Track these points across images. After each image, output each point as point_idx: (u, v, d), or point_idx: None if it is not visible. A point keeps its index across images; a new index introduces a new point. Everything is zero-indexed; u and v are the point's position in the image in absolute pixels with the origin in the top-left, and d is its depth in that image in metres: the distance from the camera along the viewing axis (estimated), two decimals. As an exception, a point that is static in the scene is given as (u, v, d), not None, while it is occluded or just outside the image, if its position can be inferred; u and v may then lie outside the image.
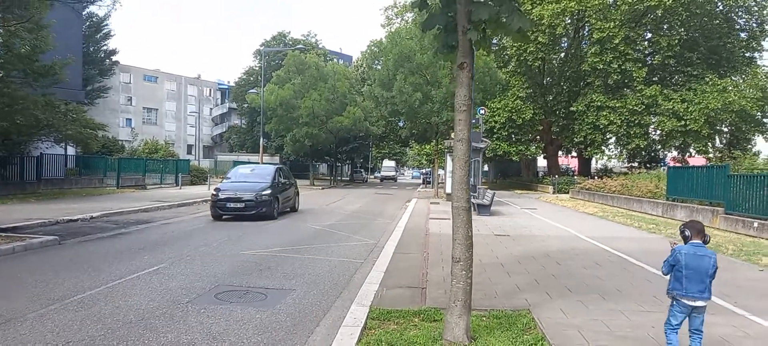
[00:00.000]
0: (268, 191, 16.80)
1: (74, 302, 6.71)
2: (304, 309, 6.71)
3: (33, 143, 23.12)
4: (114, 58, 52.04)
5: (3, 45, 18.13)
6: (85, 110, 40.38)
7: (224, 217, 16.45)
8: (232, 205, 16.19)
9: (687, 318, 4.41)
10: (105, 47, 50.39)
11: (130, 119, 66.93)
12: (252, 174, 18.43)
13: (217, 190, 16.87)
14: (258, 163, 33.20)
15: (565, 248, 11.26)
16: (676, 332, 4.46)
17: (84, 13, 43.36)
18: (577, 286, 7.58)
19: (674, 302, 4.44)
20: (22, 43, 18.12)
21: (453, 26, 5.41)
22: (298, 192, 20.54)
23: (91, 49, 48.00)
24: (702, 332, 4.41)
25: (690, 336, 4.43)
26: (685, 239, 4.46)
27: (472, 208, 17.85)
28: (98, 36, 49.02)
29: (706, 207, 15.52)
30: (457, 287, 5.33)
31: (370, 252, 11.10)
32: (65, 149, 28.63)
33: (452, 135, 23.83)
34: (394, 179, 70.55)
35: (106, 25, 49.47)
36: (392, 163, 76.01)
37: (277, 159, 58.81)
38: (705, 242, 4.39)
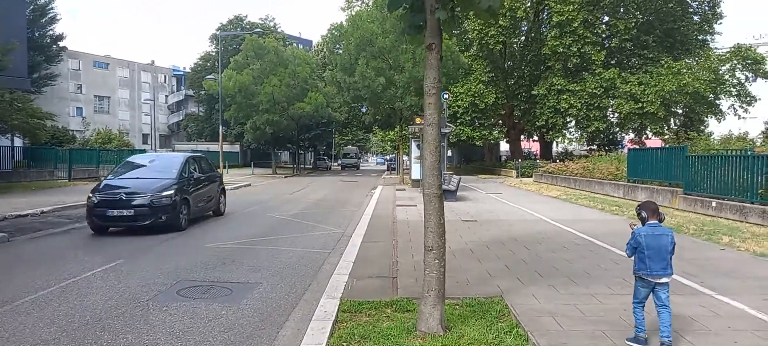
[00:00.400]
0: (171, 191, 11.85)
1: (26, 303, 6.28)
2: (272, 303, 6.46)
3: (-26, 135, 21.86)
4: (61, 44, 49.56)
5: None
6: (32, 99, 38.57)
7: (112, 229, 11.87)
8: (115, 212, 11.28)
9: (652, 293, 4.62)
10: (51, 32, 47.91)
11: (81, 108, 64.24)
12: (150, 167, 13.48)
13: (96, 191, 11.92)
14: (217, 152, 32.41)
15: (532, 232, 11.31)
16: (642, 306, 4.69)
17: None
18: (547, 270, 7.57)
19: (637, 281, 4.68)
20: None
21: (420, 5, 5.20)
22: (224, 190, 15.73)
23: (36, 34, 45.55)
24: (669, 306, 4.58)
25: (658, 311, 4.60)
26: (643, 221, 4.66)
27: (438, 193, 17.96)
28: (43, 20, 46.53)
29: (666, 188, 15.90)
30: (430, 277, 5.18)
31: (338, 241, 10.89)
32: (12, 141, 27.23)
33: (417, 120, 23.79)
34: (356, 166, 66.56)
35: (52, 8, 47.02)
36: (354, 149, 72.95)
37: (237, 147, 57.69)
38: (660, 221, 4.62)
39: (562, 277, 7.12)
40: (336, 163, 77.57)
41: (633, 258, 4.69)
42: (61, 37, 49.12)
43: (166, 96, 78.99)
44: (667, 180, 16.15)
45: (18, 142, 28.60)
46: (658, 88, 30.79)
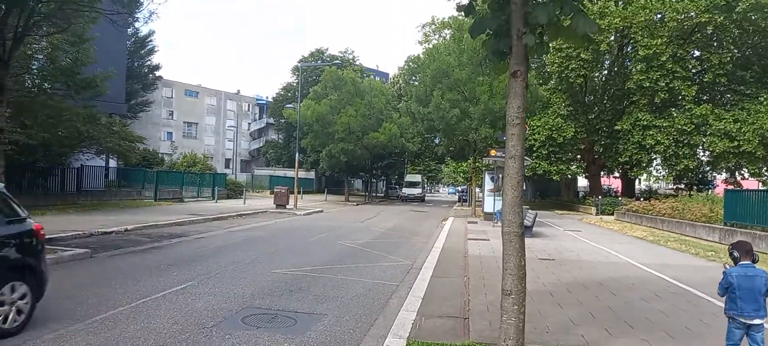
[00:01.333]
0: None
1: (96, 322, 6.36)
2: (336, 337, 6.19)
3: (74, 155, 23.47)
4: (157, 73, 53.25)
5: (46, 57, 18.43)
6: (127, 124, 41.42)
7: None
8: None
9: (746, 335, 4.58)
10: (149, 63, 51.62)
11: (171, 133, 68.24)
12: None
13: None
14: (293, 177, 33.10)
15: (618, 275, 10.42)
16: None
17: (129, 30, 44.72)
18: (639, 322, 6.82)
19: (730, 322, 4.66)
20: (65, 56, 18.37)
21: (505, 31, 4.86)
22: (38, 259, 6.58)
23: (136, 64, 49.24)
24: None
25: None
26: (735, 260, 4.64)
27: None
28: (142, 52, 50.24)
29: (771, 234, 14.34)
30: (507, 324, 4.72)
31: (406, 274, 10.52)
32: (107, 162, 29.10)
33: (492, 152, 23.16)
34: (421, 198, 54.14)
35: (151, 41, 50.70)
36: (417, 178, 57.13)
37: (312, 174, 58.94)
38: (754, 262, 4.59)
39: (657, 331, 6.37)
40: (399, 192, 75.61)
41: (724, 298, 4.69)
42: (157, 67, 52.79)
43: (249, 123, 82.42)
44: (773, 226, 14.58)
45: (112, 163, 30.52)
46: (756, 126, 28.33)
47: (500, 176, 23.67)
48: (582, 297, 8.25)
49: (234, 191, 38.16)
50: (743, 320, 4.51)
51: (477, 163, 33.33)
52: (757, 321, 4.46)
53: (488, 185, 25.12)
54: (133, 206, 24.27)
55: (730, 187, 34.15)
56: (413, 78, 38.21)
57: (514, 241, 4.74)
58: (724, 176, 39.18)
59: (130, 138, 24.06)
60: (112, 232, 15.09)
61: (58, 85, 19.27)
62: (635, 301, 8.14)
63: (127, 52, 44.32)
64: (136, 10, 15.40)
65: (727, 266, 4.74)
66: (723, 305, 7.47)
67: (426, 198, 68.16)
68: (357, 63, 59.27)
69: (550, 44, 5.07)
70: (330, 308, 7.50)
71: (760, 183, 32.69)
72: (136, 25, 47.04)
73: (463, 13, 5.56)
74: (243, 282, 9.01)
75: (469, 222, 23.52)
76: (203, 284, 8.72)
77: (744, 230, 15.63)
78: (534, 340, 5.68)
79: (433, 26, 41.73)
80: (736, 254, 4.64)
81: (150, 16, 29.10)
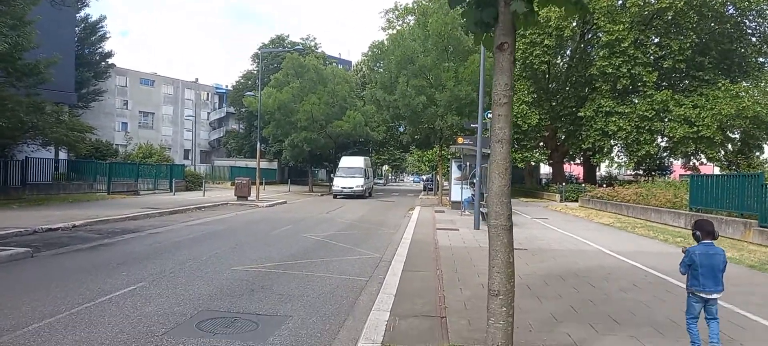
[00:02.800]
0: None
1: (26, 334, 5.59)
2: (302, 343, 5.60)
3: (18, 146, 21.95)
4: (110, 61, 50.93)
5: (-19, 40, 17.03)
6: (78, 114, 39.47)
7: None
8: None
9: (703, 308, 4.94)
10: (100, 50, 49.30)
11: (126, 123, 65.70)
12: None
13: None
14: (255, 168, 32.07)
15: (592, 265, 10.14)
16: (696, 321, 4.99)
17: (79, 14, 42.49)
18: (623, 316, 6.46)
19: (689, 296, 5.00)
20: (3, 40, 16.98)
21: (488, -1, 4.32)
22: None
23: (87, 51, 46.93)
24: (718, 318, 4.96)
25: (708, 323, 4.95)
26: (697, 239, 4.95)
27: (481, 217, 16.85)
28: (93, 38, 47.93)
29: (737, 219, 14.38)
30: (495, 328, 4.23)
31: (375, 268, 9.99)
32: (56, 153, 27.47)
33: (459, 139, 22.80)
34: (362, 193, 36.06)
35: (102, 26, 48.40)
36: (358, 161, 38.31)
37: (275, 165, 57.69)
38: (714, 239, 4.91)
39: (645, 326, 6.01)
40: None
41: (686, 275, 5.00)
42: (109, 55, 50.44)
43: (209, 113, 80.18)
44: (737, 210, 14.63)
45: (62, 155, 28.87)
46: (715, 112, 28.91)
47: (468, 164, 23.39)
48: (561, 290, 7.88)
49: (193, 182, 36.85)
50: (703, 295, 4.85)
51: (443, 152, 33.02)
52: (714, 296, 4.86)
53: (455, 173, 24.81)
54: (84, 200, 22.93)
55: (689, 172, 34.92)
56: (377, 64, 37.53)
57: (503, 235, 4.24)
58: (680, 161, 40.14)
59: (78, 128, 22.65)
60: (58, 228, 14.04)
61: (-3, 71, 17.86)
62: (614, 292, 7.82)
63: (77, 38, 42.16)
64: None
65: (686, 247, 5.07)
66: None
67: (386, 188, 62.69)
68: (319, 50, 58.12)
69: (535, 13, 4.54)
70: (295, 309, 6.90)
71: (718, 168, 33.51)
72: (86, 10, 45.15)
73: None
74: (199, 282, 8.31)
75: (436, 211, 23.16)
76: (155, 285, 7.98)
77: (710, 216, 15.68)
78: (518, 341, 5.22)
79: (397, 12, 41.14)
80: (698, 233, 4.95)
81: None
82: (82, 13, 44.94)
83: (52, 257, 10.29)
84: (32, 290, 7.51)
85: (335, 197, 35.25)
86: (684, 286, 8.17)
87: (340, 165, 38.16)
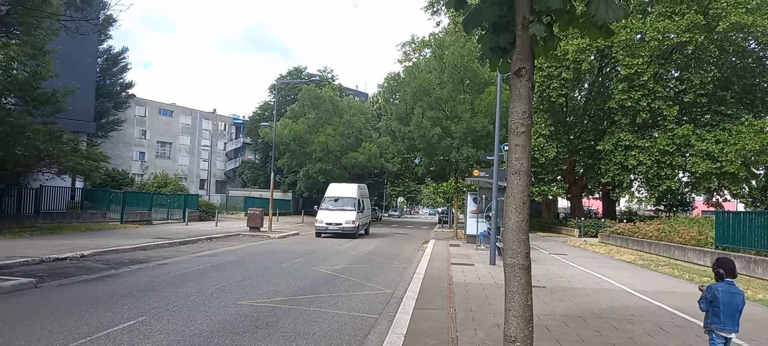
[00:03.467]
0: None
1: (13, 372, 5.28)
2: (303, 390, 5.20)
3: (32, 175, 22.05)
4: (130, 92, 51.78)
5: (1, 69, 17.20)
6: (97, 143, 39.90)
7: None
8: None
9: None
10: (121, 80, 50.18)
11: (144, 153, 66.38)
12: None
13: None
14: (268, 199, 31.85)
15: (615, 305, 9.60)
16: None
17: (101, 46, 43.41)
18: (652, 363, 5.97)
19: (712, 335, 4.91)
20: (23, 69, 17.16)
21: (506, 22, 4.04)
22: None
23: (108, 82, 47.79)
24: None
25: None
26: (719, 277, 4.87)
27: (497, 252, 16.35)
28: (114, 69, 48.82)
29: (767, 259, 13.70)
30: (513, 379, 3.81)
31: (386, 305, 9.57)
32: (73, 182, 27.62)
33: (475, 172, 22.43)
34: (353, 232, 26.69)
35: (124, 58, 49.35)
36: (350, 190, 29.69)
37: (289, 195, 57.63)
38: (734, 277, 4.90)
39: (676, 376, 5.53)
40: (387, 214, 71.82)
41: (706, 312, 4.96)
42: (130, 85, 51.31)
43: (225, 143, 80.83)
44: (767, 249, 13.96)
45: (79, 183, 29.03)
46: (738, 147, 28.19)
47: (483, 197, 22.94)
48: (582, 332, 7.39)
49: (207, 212, 36.76)
50: (723, 335, 4.83)
51: (458, 184, 32.61)
52: (732, 335, 4.86)
53: (470, 206, 24.34)
54: (96, 229, 22.86)
55: (711, 209, 34.01)
56: (393, 96, 37.57)
57: (520, 275, 3.87)
58: (703, 197, 39.17)
59: (94, 157, 22.72)
60: (66, 258, 13.84)
61: (15, 99, 18.00)
62: (640, 336, 7.31)
63: (99, 69, 42.98)
64: (92, 13, 14.34)
65: (704, 286, 5.05)
66: (737, 340, 6.77)
67: (401, 220, 59.14)
68: (336, 82, 58.58)
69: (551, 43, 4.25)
70: (299, 349, 6.52)
71: (743, 204, 32.60)
72: (109, 42, 46.11)
73: (449, 15, 4.76)
74: (202, 317, 7.97)
75: (451, 245, 22.66)
76: (156, 320, 7.66)
77: (737, 254, 15.02)
78: (538, 391, 4.78)
79: (413, 45, 41.25)
80: (721, 271, 4.88)
81: (110, 22, 27.47)
82: (104, 45, 45.93)
83: (56, 288, 10.04)
84: (30, 324, 7.24)
85: (318, 235, 26.54)
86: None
87: (326, 194, 29.80)
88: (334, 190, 29.60)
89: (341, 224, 26.26)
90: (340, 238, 25.74)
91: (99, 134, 43.78)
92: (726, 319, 4.74)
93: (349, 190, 29.26)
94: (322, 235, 26.36)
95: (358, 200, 28.27)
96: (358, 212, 27.39)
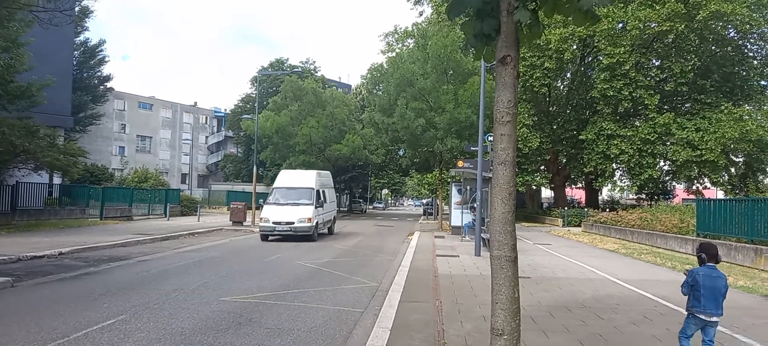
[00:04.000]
0: None
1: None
2: (288, 387, 5.08)
3: (8, 171, 21.51)
4: (108, 85, 50.86)
5: (-28, 63, 16.72)
6: (75, 138, 39.10)
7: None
8: None
9: (701, 330, 5.07)
10: (99, 74, 49.23)
11: (123, 147, 65.38)
12: None
13: None
14: (251, 193, 31.58)
15: (599, 295, 9.63)
16: (690, 340, 5.19)
17: (77, 38, 42.46)
18: (638, 353, 5.97)
19: (690, 316, 5.12)
20: (-5, 62, 16.70)
21: (490, 9, 3.95)
22: None
23: (85, 75, 46.84)
24: (714, 342, 5.08)
25: None
26: (701, 261, 5.05)
27: (483, 243, 16.35)
28: (92, 62, 47.85)
29: (747, 245, 13.87)
30: (500, 373, 3.75)
31: (372, 298, 9.49)
32: (50, 178, 27.04)
33: (459, 163, 22.41)
34: (310, 233, 20.14)
35: (101, 50, 48.36)
36: (307, 179, 22.75)
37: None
38: (717, 262, 5.04)
39: (662, 365, 5.52)
40: (371, 206, 71.06)
41: (687, 296, 5.11)
42: (108, 79, 50.38)
43: (207, 137, 79.97)
44: (748, 236, 14.12)
45: (58, 179, 28.42)
46: (718, 135, 28.58)
47: (468, 188, 22.96)
48: (567, 322, 7.38)
49: (189, 207, 36.33)
50: (703, 317, 4.95)
51: (443, 175, 32.63)
52: (714, 319, 4.96)
53: (455, 197, 24.37)
54: (75, 226, 22.44)
55: (692, 197, 34.49)
56: (377, 87, 37.39)
57: (507, 267, 3.80)
58: (683, 185, 39.70)
59: (71, 152, 22.23)
60: (43, 256, 13.53)
61: (-13, 94, 17.53)
62: (625, 325, 7.32)
63: (75, 62, 42.06)
64: (66, 4, 13.93)
65: (688, 269, 5.19)
66: (724, 329, 6.82)
67: (386, 212, 58.45)
68: (319, 74, 58.17)
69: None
70: (284, 344, 6.41)
71: (723, 192, 33.10)
72: (86, 33, 45.16)
73: (432, 5, 4.65)
74: (184, 314, 7.81)
75: (436, 236, 22.66)
76: (137, 318, 7.48)
77: (718, 242, 15.18)
78: (525, 383, 4.74)
79: (396, 35, 41.00)
80: (703, 256, 5.04)
81: (86, 13, 26.81)
82: (81, 37, 44.97)
83: (34, 287, 9.79)
84: (6, 324, 7.04)
85: (265, 238, 20.32)
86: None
87: (275, 183, 23.65)
88: (286, 179, 23.04)
89: (293, 222, 19.93)
90: (289, 240, 19.97)
91: (77, 129, 42.92)
92: (707, 302, 4.86)
93: (305, 178, 22.71)
94: (270, 237, 20.29)
95: (318, 192, 21.87)
96: (316, 207, 21.02)
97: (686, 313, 5.16)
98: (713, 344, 5.06)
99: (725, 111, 29.48)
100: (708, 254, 5.02)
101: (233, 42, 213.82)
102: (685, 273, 5.18)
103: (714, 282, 4.89)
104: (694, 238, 16.70)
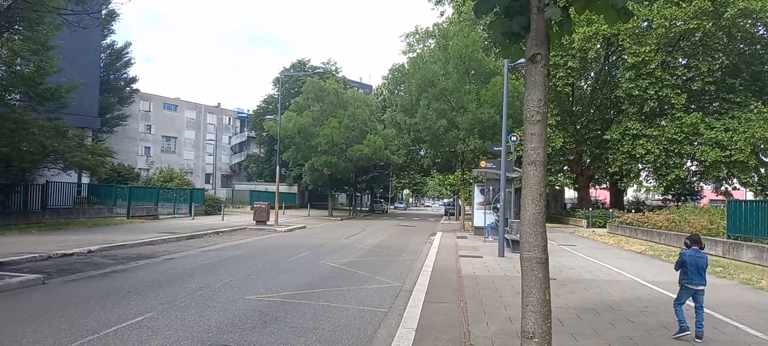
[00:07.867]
0: None
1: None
2: (314, 387, 5.09)
3: (38, 171, 22.04)
4: (134, 86, 51.73)
5: (4, 65, 17.10)
6: (102, 139, 39.91)
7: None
8: None
9: (692, 298, 6.60)
10: (125, 76, 50.10)
11: (149, 147, 66.50)
12: None
13: None
14: (274, 192, 31.87)
15: (628, 297, 9.47)
16: (682, 306, 6.70)
17: (104, 41, 43.33)
18: (669, 357, 5.85)
19: (682, 288, 6.68)
20: (27, 65, 17.07)
21: (519, 7, 3.89)
22: None
23: (112, 77, 47.72)
24: (703, 307, 6.61)
25: (696, 310, 6.59)
26: (687, 246, 6.81)
27: (506, 244, 16.21)
28: (118, 64, 48.73)
29: (780, 247, 13.50)
30: (531, 377, 3.70)
31: (395, 298, 9.47)
32: (79, 178, 27.63)
33: (482, 163, 22.23)
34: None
35: (127, 53, 49.22)
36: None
37: (295, 189, 57.62)
38: (701, 248, 6.68)
39: (695, 370, 5.40)
40: (392, 207, 69.87)
41: (679, 272, 6.76)
42: (134, 80, 51.23)
43: (230, 137, 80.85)
44: (780, 238, 13.74)
45: (86, 179, 29.02)
46: (747, 135, 27.87)
47: (491, 188, 22.79)
48: (596, 325, 7.27)
49: (213, 207, 36.77)
50: (692, 287, 6.55)
51: (465, 175, 32.45)
52: (700, 287, 6.53)
53: (478, 197, 24.20)
54: (103, 225, 22.88)
55: (720, 198, 33.68)
56: (398, 88, 37.33)
57: (537, 269, 3.74)
58: (711, 186, 38.79)
59: (99, 152, 22.68)
60: (73, 253, 13.81)
61: (19, 95, 17.92)
62: (655, 329, 7.18)
63: (102, 64, 42.91)
64: (93, 7, 14.19)
65: (683, 249, 6.81)
66: (756, 332, 6.67)
67: (407, 212, 59.18)
68: (340, 74, 58.34)
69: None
70: (308, 343, 6.44)
71: (753, 193, 32.25)
72: (112, 36, 46.03)
73: (454, 5, 4.60)
74: (210, 312, 7.89)
75: (458, 237, 22.54)
76: (164, 316, 7.58)
77: (750, 244, 14.82)
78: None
79: (417, 36, 40.94)
80: (688, 242, 6.85)
81: (112, 17, 27.32)
82: (108, 40, 45.85)
83: (63, 285, 9.99)
84: (36, 321, 7.18)
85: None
86: (731, 322, 7.61)
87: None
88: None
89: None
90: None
91: (104, 129, 43.76)
92: (692, 275, 6.52)
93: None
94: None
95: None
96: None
97: (680, 286, 6.70)
98: (703, 308, 6.57)
99: (755, 110, 28.73)
100: (692, 241, 6.78)
101: (255, 45, 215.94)
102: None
103: (697, 260, 6.51)
104: (725, 239, 16.30)
